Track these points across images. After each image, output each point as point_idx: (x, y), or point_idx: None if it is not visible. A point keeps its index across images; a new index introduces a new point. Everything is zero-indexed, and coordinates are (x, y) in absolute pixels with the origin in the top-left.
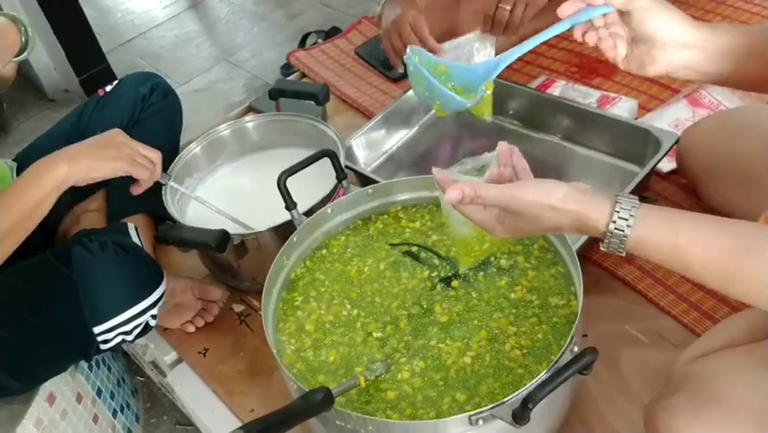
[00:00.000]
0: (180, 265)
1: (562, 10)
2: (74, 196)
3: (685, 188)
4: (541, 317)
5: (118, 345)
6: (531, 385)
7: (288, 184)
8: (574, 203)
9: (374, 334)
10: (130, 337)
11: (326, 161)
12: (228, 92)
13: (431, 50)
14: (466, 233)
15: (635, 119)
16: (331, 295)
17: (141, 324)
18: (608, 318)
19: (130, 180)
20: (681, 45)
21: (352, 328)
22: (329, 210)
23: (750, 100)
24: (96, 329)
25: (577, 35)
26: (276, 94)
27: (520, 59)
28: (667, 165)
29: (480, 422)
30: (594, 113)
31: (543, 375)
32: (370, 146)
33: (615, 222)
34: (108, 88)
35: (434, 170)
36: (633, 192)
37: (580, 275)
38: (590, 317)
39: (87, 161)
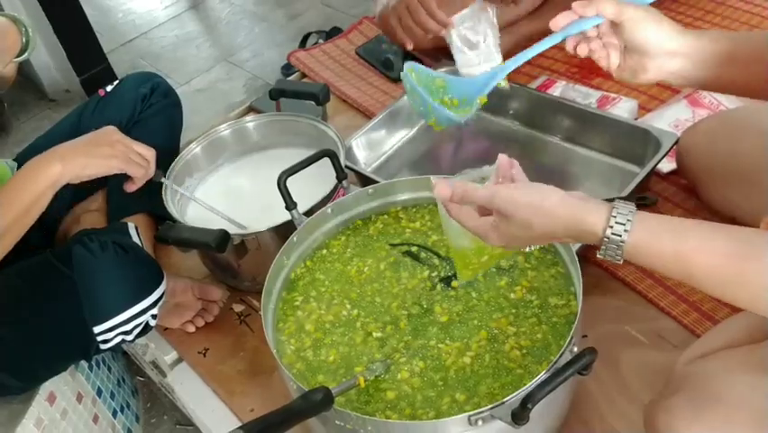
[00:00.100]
0: (180, 265)
1: (556, 22)
2: (74, 196)
3: (685, 188)
4: (540, 317)
5: (118, 344)
6: (530, 385)
7: (288, 184)
8: (569, 207)
9: (374, 334)
10: (130, 337)
11: (327, 161)
12: (228, 92)
13: (440, 24)
14: (465, 245)
15: (635, 119)
16: (331, 295)
17: (141, 324)
18: (608, 319)
19: (125, 183)
20: (670, 54)
21: (351, 328)
22: (329, 210)
23: (750, 100)
24: (96, 329)
25: (569, 47)
26: (276, 94)
27: None
28: (667, 165)
29: (480, 422)
30: (594, 113)
31: (542, 375)
32: (371, 146)
33: (612, 227)
34: (109, 88)
35: (433, 178)
36: (633, 192)
37: (580, 275)
38: (590, 317)
39: (82, 159)
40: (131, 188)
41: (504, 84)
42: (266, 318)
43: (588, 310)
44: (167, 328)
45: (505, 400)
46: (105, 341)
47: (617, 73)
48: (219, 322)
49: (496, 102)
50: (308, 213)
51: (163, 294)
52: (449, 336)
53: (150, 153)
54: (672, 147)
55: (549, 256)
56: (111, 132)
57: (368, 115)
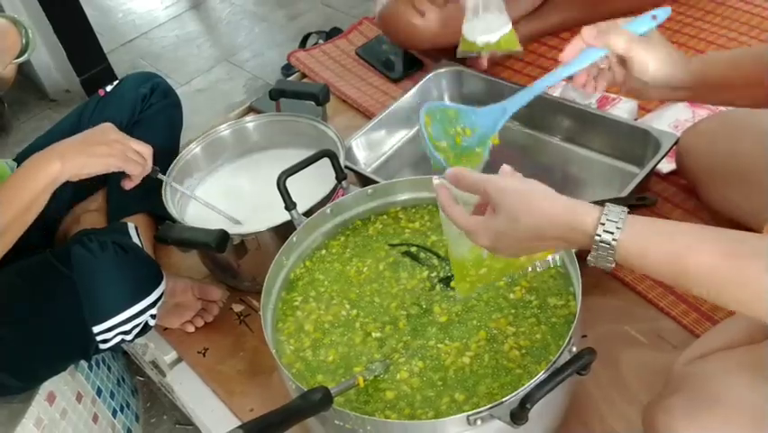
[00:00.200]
0: (180, 265)
1: (565, 55)
2: (74, 196)
3: (685, 188)
4: (540, 317)
5: (117, 344)
6: (529, 385)
7: (287, 184)
8: (558, 202)
9: (373, 334)
10: (129, 337)
11: (326, 162)
12: (229, 92)
13: None
14: (463, 253)
15: (635, 120)
16: (330, 295)
17: (140, 324)
18: (607, 319)
19: (122, 180)
20: (674, 88)
21: (351, 328)
22: (328, 210)
23: None
24: (96, 329)
25: (578, 84)
26: (276, 94)
27: (520, 59)
28: (667, 166)
29: (479, 422)
30: (594, 114)
31: (541, 376)
32: (371, 146)
33: (603, 224)
34: (108, 88)
35: (435, 179)
36: (632, 193)
37: (579, 276)
38: (590, 317)
39: (80, 158)
40: (128, 185)
41: (518, 48)
42: (265, 318)
43: (587, 310)
44: (166, 328)
45: (504, 400)
46: (105, 341)
47: (621, 91)
48: (219, 322)
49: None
50: (308, 213)
51: (162, 294)
52: (448, 336)
53: (146, 150)
54: (671, 147)
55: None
56: (108, 129)
57: (368, 116)
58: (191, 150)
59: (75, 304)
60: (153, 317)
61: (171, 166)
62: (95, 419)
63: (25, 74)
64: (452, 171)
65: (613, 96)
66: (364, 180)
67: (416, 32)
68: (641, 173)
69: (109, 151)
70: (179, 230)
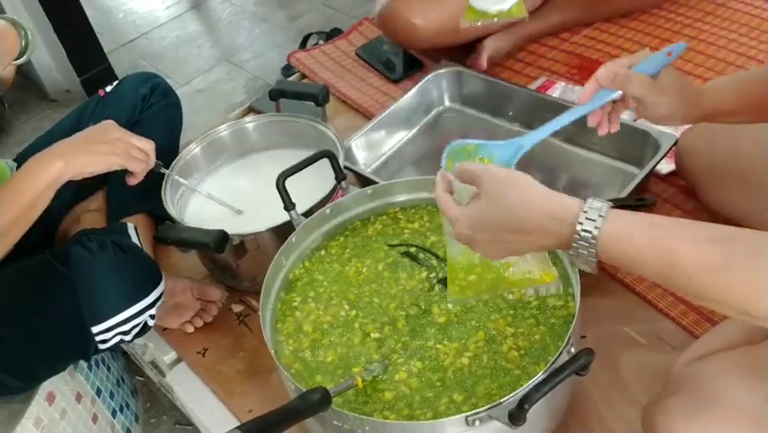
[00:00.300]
0: (180, 265)
1: (583, 96)
2: (74, 195)
3: (684, 189)
4: (539, 318)
5: (117, 344)
6: (527, 386)
7: (287, 185)
8: (544, 193)
9: (372, 334)
10: (128, 337)
11: (326, 162)
12: (229, 93)
13: None
14: (456, 254)
15: (635, 120)
16: (329, 296)
17: (139, 324)
18: (607, 320)
19: (126, 177)
20: (684, 122)
21: (349, 329)
22: (328, 211)
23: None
24: (95, 329)
25: (591, 124)
26: (276, 95)
27: (520, 60)
28: (666, 167)
29: (477, 423)
30: None
31: (539, 376)
32: (370, 147)
33: (586, 212)
34: (108, 89)
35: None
36: (632, 193)
37: (578, 276)
38: (590, 318)
39: (83, 156)
40: (132, 181)
41: (525, 14)
42: (264, 319)
43: (587, 311)
44: (166, 328)
45: (502, 400)
46: (104, 341)
47: (637, 118)
48: (218, 322)
49: (495, 103)
50: (307, 214)
51: (161, 294)
52: (447, 336)
53: (149, 146)
54: (670, 148)
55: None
56: (110, 128)
57: (367, 116)
58: (191, 150)
59: (74, 304)
60: (152, 317)
61: (171, 166)
62: (94, 419)
63: (26, 74)
64: (456, 166)
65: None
66: (364, 181)
67: (415, 32)
68: (640, 174)
69: (111, 149)
70: (179, 230)
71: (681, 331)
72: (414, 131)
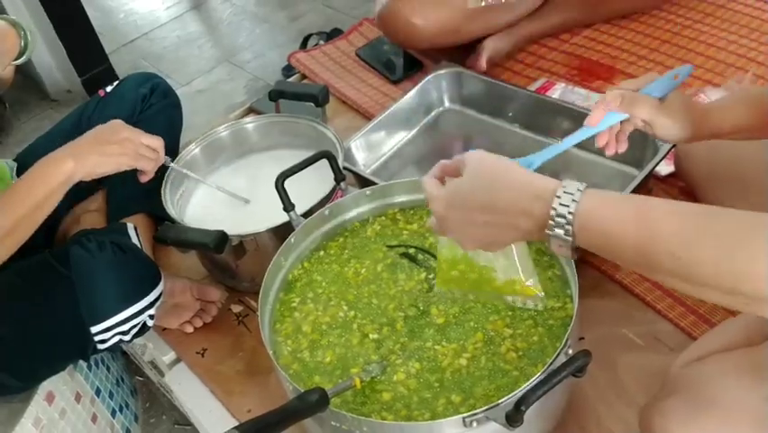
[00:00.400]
0: (179, 265)
1: (592, 118)
2: (74, 196)
3: (683, 190)
4: (537, 319)
5: (116, 344)
6: (524, 388)
7: (286, 185)
8: (524, 175)
9: (370, 335)
10: (127, 337)
11: (326, 163)
12: (229, 93)
13: None
14: (442, 246)
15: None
16: (328, 296)
17: (138, 324)
18: (605, 322)
19: (129, 179)
20: (691, 140)
21: (348, 330)
22: (327, 212)
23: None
24: (94, 329)
25: (600, 144)
26: (276, 95)
27: (520, 61)
28: (665, 168)
29: (474, 424)
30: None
31: (536, 378)
32: (370, 148)
33: (564, 186)
34: (109, 89)
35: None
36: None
37: (576, 278)
38: (588, 320)
39: (93, 158)
40: (143, 179)
41: None
42: (263, 319)
43: (585, 313)
44: (165, 329)
45: (499, 402)
46: (103, 341)
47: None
48: (217, 322)
49: (495, 104)
50: (306, 214)
51: (160, 295)
52: (445, 337)
53: (158, 143)
54: (670, 150)
55: (546, 259)
56: (118, 127)
57: (367, 117)
58: (191, 150)
59: (73, 304)
60: (151, 317)
61: (175, 160)
62: (93, 418)
63: (27, 74)
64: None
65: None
66: (363, 182)
67: (415, 32)
68: (639, 175)
69: (121, 150)
70: (178, 231)
71: (678, 333)
72: (413, 132)
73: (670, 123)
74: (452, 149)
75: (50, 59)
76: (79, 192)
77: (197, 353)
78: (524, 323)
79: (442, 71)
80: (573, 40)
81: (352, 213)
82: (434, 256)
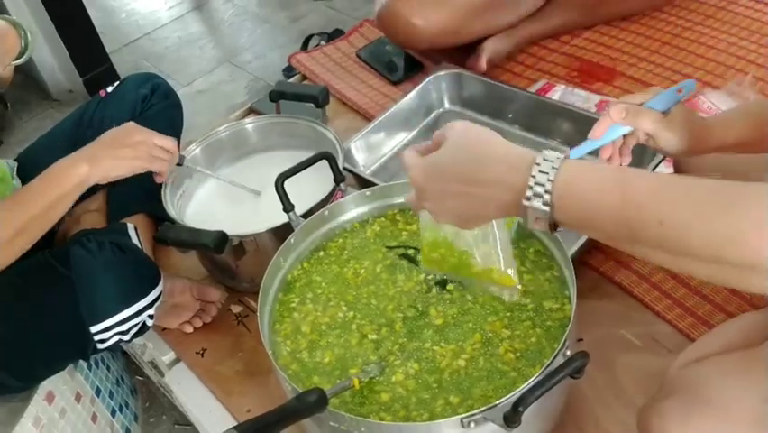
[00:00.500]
0: (180, 266)
1: (596, 131)
2: None
3: None
4: (535, 320)
5: (115, 344)
6: (522, 389)
7: (287, 186)
8: (504, 146)
9: (369, 336)
10: (126, 337)
11: (326, 164)
12: (230, 93)
13: None
14: (424, 227)
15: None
16: (327, 297)
17: (137, 324)
18: (604, 323)
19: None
20: (693, 154)
21: (347, 330)
22: (326, 212)
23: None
24: (93, 329)
25: (603, 157)
26: (276, 96)
27: (520, 62)
28: (665, 170)
29: (472, 425)
30: (593, 117)
31: (534, 379)
32: (370, 149)
33: (544, 155)
34: (109, 89)
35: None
36: None
37: (574, 279)
38: (587, 321)
39: (107, 161)
40: (159, 180)
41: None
42: (262, 320)
43: (584, 314)
44: (165, 329)
45: (497, 403)
46: (103, 341)
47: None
48: (217, 323)
49: (495, 105)
50: (306, 215)
51: (160, 295)
52: (444, 338)
53: (171, 144)
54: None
55: (544, 260)
56: (132, 130)
57: (367, 118)
58: (191, 151)
59: (73, 304)
60: (151, 317)
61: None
62: (93, 418)
63: (28, 73)
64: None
65: (612, 99)
66: (363, 183)
67: (414, 32)
68: None
69: (135, 153)
70: (178, 231)
71: (677, 334)
72: (413, 133)
73: (673, 136)
74: None
75: (51, 59)
76: None
77: (197, 353)
78: (522, 324)
79: (442, 72)
80: (574, 41)
81: (352, 214)
82: None
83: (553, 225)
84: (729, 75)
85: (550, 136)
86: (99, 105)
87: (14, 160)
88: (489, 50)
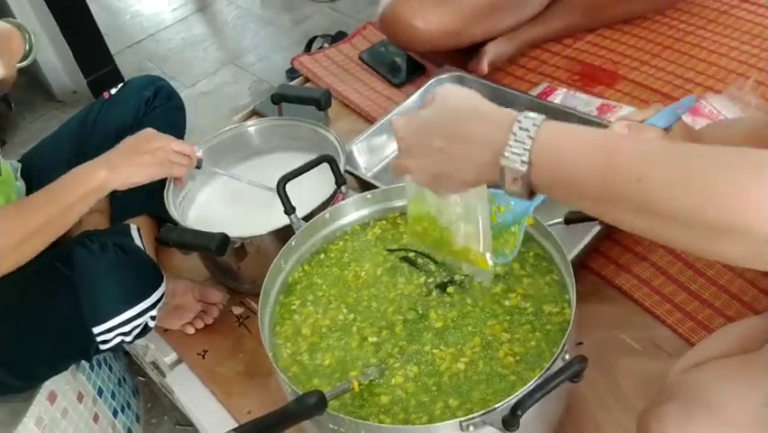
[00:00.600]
0: (182, 267)
1: None
2: None
3: None
4: (535, 324)
5: (118, 345)
6: (520, 393)
7: (289, 188)
8: (488, 105)
9: (369, 338)
10: (128, 338)
11: (327, 166)
12: (234, 95)
13: None
14: (410, 198)
15: None
16: (328, 299)
17: (139, 325)
18: (604, 327)
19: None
20: None
21: (347, 333)
22: (327, 215)
23: (750, 112)
24: (96, 330)
25: None
26: (278, 99)
27: (521, 65)
28: None
29: (471, 428)
30: (595, 121)
31: (532, 383)
32: (372, 151)
33: (526, 114)
34: (113, 91)
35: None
36: None
37: (574, 283)
38: (587, 325)
39: (126, 168)
40: (179, 184)
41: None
42: (263, 322)
43: (584, 318)
44: (167, 330)
45: (495, 406)
46: (105, 342)
47: None
48: (218, 324)
49: None
50: (307, 217)
51: (162, 296)
52: (443, 341)
53: (188, 149)
54: None
55: (544, 264)
56: (150, 137)
57: (369, 120)
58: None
59: (76, 305)
60: (153, 318)
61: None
62: (95, 418)
63: (32, 74)
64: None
65: (614, 103)
66: (365, 185)
67: (416, 34)
68: None
69: (153, 160)
70: (181, 233)
71: (677, 338)
72: None
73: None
74: None
75: (55, 60)
76: None
77: (198, 354)
78: (522, 328)
79: (444, 75)
80: (576, 45)
81: (353, 216)
82: (434, 260)
83: (530, 191)
84: (731, 79)
85: None
86: (103, 108)
87: (18, 161)
88: (491, 53)
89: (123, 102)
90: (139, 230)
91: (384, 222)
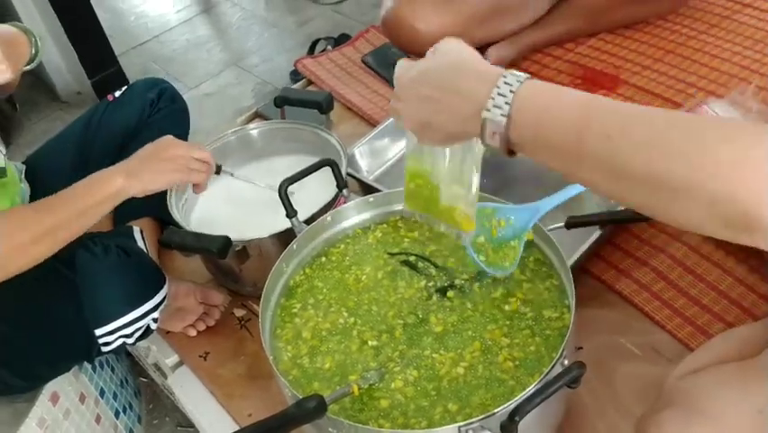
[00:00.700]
0: (184, 269)
1: None
2: None
3: None
4: (534, 329)
5: (120, 347)
6: (519, 398)
7: (291, 191)
8: (479, 61)
9: (370, 342)
10: (130, 340)
11: (329, 169)
12: (237, 97)
13: None
14: (408, 155)
15: None
16: (328, 303)
17: (141, 327)
18: (603, 332)
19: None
20: None
21: (348, 336)
22: (329, 218)
23: (752, 117)
24: (98, 331)
25: None
26: (281, 102)
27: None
28: None
29: None
30: None
31: (530, 389)
32: (374, 154)
33: (512, 72)
34: (117, 93)
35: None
36: None
37: (573, 288)
38: (587, 329)
39: (146, 175)
40: (197, 191)
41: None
42: (263, 325)
43: (584, 323)
44: (169, 331)
45: (494, 412)
46: (107, 343)
47: None
48: (220, 326)
49: None
50: (309, 221)
51: (164, 299)
52: (443, 346)
53: (207, 155)
54: None
55: (544, 269)
56: (170, 144)
57: (372, 123)
58: None
59: (78, 306)
60: (155, 321)
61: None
62: (97, 419)
63: (37, 75)
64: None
65: None
66: (366, 188)
67: (417, 37)
68: None
69: (173, 166)
70: (183, 235)
71: (676, 344)
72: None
73: None
74: None
75: (60, 61)
76: None
77: (200, 356)
78: (521, 333)
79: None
80: (577, 49)
81: (354, 220)
82: (435, 264)
83: (508, 148)
84: (733, 84)
85: None
86: (107, 110)
87: (23, 162)
88: (493, 57)
89: (128, 104)
90: (142, 232)
91: (385, 225)
